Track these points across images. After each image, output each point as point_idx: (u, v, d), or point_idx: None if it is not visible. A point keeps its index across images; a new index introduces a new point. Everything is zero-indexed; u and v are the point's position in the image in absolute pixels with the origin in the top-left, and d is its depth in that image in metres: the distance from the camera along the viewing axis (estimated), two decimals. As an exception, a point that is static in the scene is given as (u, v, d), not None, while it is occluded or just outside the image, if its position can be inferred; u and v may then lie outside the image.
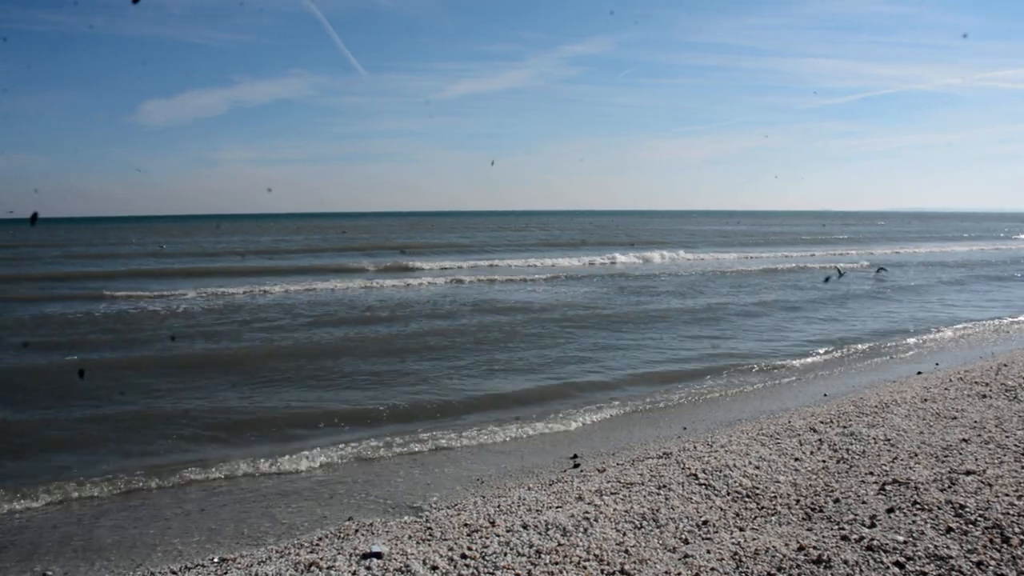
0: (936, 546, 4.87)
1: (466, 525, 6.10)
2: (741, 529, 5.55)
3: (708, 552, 5.10)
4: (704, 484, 6.64)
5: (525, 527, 5.78)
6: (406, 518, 6.84)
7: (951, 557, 4.71)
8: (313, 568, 5.34)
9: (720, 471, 6.96)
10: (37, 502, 7.54)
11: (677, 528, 5.63)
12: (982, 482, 6.03)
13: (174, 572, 5.91)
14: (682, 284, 27.29)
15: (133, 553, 6.48)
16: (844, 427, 8.43)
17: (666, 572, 4.86)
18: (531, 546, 5.37)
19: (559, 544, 5.38)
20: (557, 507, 6.33)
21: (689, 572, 4.84)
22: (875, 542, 4.99)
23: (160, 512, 7.35)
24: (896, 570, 4.64)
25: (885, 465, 6.84)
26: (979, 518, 5.27)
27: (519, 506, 6.56)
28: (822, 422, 8.81)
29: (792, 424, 8.87)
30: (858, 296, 23.78)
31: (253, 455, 8.79)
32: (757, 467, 7.06)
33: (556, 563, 5.06)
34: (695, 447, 8.13)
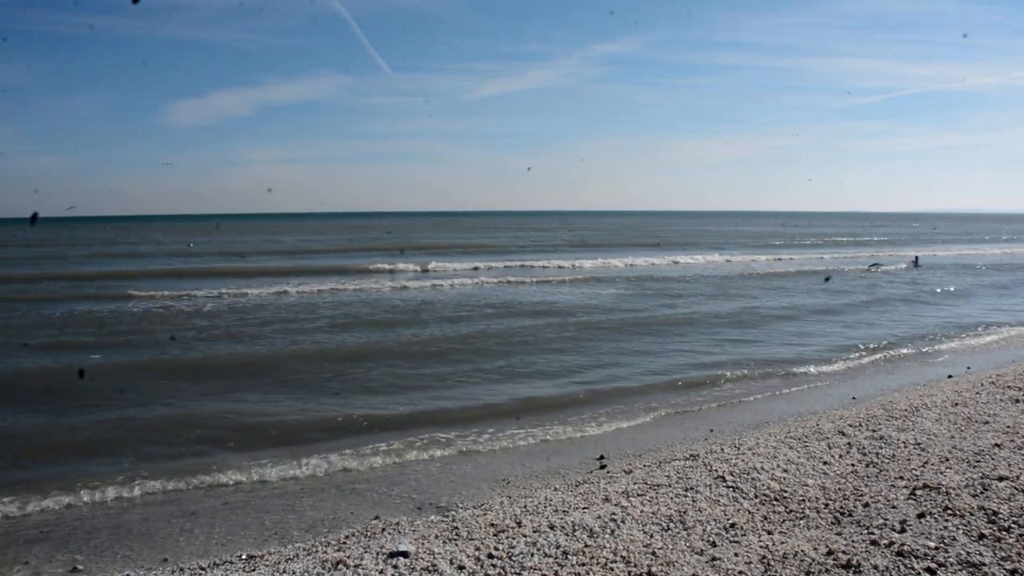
0: (968, 552, 4.81)
1: (492, 525, 6.11)
2: (769, 532, 5.51)
3: (736, 555, 5.07)
4: (731, 487, 6.60)
5: (552, 528, 5.79)
6: (432, 517, 6.87)
7: (984, 564, 4.65)
8: (340, 566, 5.37)
9: (747, 474, 6.91)
10: (67, 500, 7.64)
11: (704, 530, 5.60)
12: (1016, 488, 5.94)
13: (203, 568, 5.98)
14: (711, 286, 27.09)
15: (160, 548, 6.58)
16: (873, 431, 8.35)
17: (693, 575, 4.84)
18: (558, 547, 5.37)
19: (586, 545, 5.38)
20: (584, 508, 6.33)
21: (717, 575, 4.82)
22: (906, 547, 4.94)
23: (186, 509, 7.44)
24: (927, 576, 4.59)
25: (915, 470, 6.76)
26: (1013, 524, 5.20)
27: (545, 507, 6.56)
28: (851, 425, 8.73)
29: (820, 427, 8.80)
30: (889, 300, 23.50)
31: (277, 456, 8.84)
32: (785, 470, 7.01)
33: (583, 564, 5.06)
34: (722, 449, 8.08)
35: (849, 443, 7.87)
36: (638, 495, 6.59)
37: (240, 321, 18.76)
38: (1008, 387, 10.39)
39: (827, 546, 5.09)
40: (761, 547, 5.18)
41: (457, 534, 6.01)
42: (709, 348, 15.28)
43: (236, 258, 42.04)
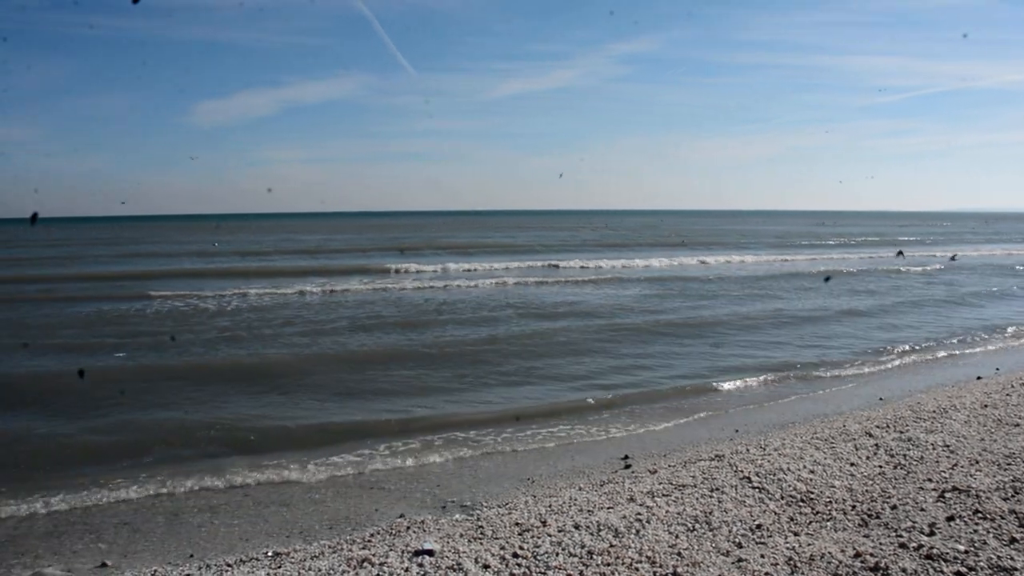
0: (999, 557, 4.75)
1: (517, 524, 6.12)
2: (796, 534, 5.48)
3: (762, 557, 5.05)
4: (757, 487, 6.57)
5: (577, 527, 5.79)
6: (457, 516, 6.90)
7: (1016, 569, 4.60)
8: (366, 564, 5.41)
9: (774, 474, 6.88)
10: (93, 498, 7.74)
11: (730, 531, 5.58)
12: (1047, 491, 5.87)
13: (229, 565, 6.04)
14: (737, 286, 26.83)
15: (186, 545, 6.67)
16: (901, 432, 8.27)
17: (720, 576, 4.82)
18: (583, 546, 5.37)
19: (611, 545, 5.37)
20: (608, 508, 6.33)
21: (743, 576, 4.80)
22: (935, 551, 4.89)
23: (209, 507, 7.53)
24: (957, 579, 4.55)
25: (944, 472, 6.69)
26: (1044, 528, 5.13)
27: (570, 506, 6.57)
28: (878, 426, 8.65)
29: (847, 428, 8.73)
30: (919, 301, 23.19)
31: (300, 456, 8.88)
32: (811, 471, 6.97)
33: (608, 564, 5.06)
34: (748, 450, 8.05)
35: (876, 444, 7.81)
36: (663, 495, 6.58)
37: (261, 320, 18.90)
38: (1039, 389, 10.25)
39: (854, 548, 5.05)
40: (788, 548, 5.15)
41: (482, 533, 6.03)
42: (734, 351, 15.17)
43: (259, 257, 42.38)
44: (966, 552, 4.85)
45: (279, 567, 5.74)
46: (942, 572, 4.63)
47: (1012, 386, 10.64)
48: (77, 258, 42.45)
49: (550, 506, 6.68)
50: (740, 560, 5.01)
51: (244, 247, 52.56)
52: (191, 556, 6.38)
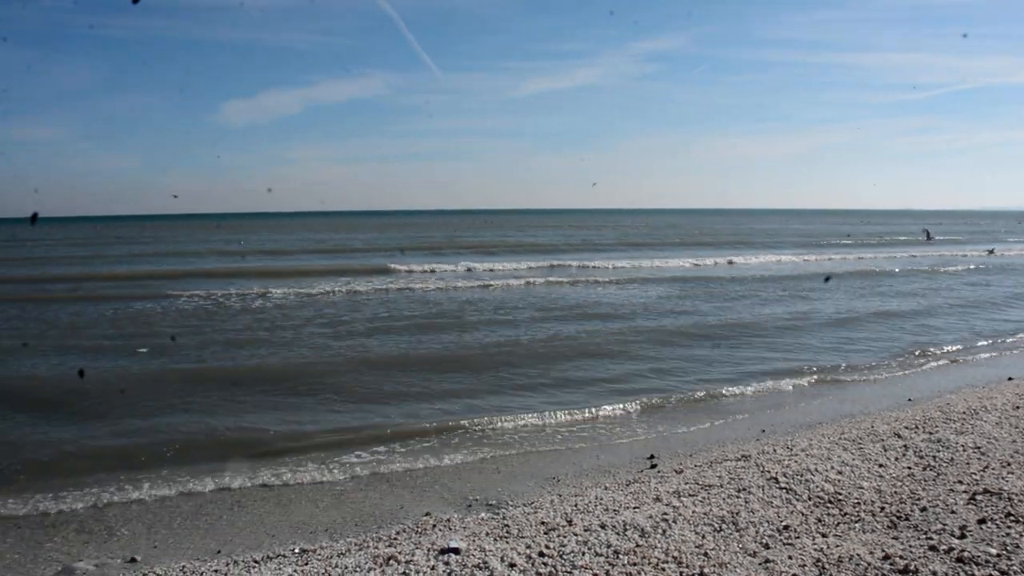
0: (1032, 559, 4.70)
1: (543, 523, 6.13)
2: (824, 535, 5.45)
3: (790, 558, 5.02)
4: (785, 488, 6.53)
5: (603, 527, 5.79)
6: (483, 515, 6.92)
7: (1049, 571, 4.54)
8: (392, 562, 5.44)
9: (801, 475, 6.83)
10: (120, 495, 7.84)
11: (757, 532, 5.55)
12: (1081, 494, 5.78)
13: (256, 561, 6.11)
14: (765, 287, 26.46)
15: (213, 541, 6.75)
16: (930, 433, 8.19)
17: (747, 577, 4.80)
18: (609, 546, 5.37)
19: (637, 545, 5.37)
20: (635, 507, 6.32)
21: (770, 578, 4.78)
22: (966, 554, 4.84)
23: (236, 505, 7.61)
24: (989, 583, 4.50)
25: (975, 474, 6.62)
26: (1078, 532, 5.06)
27: (596, 505, 6.57)
28: (907, 427, 8.57)
29: (875, 429, 8.65)
30: (951, 301, 22.87)
31: (324, 457, 8.92)
32: (839, 472, 6.91)
33: (634, 564, 5.06)
34: (774, 450, 8.00)
35: (905, 445, 7.73)
36: (689, 495, 6.56)
37: (285, 319, 19.05)
38: (1072, 390, 10.09)
39: (883, 550, 5.01)
40: (815, 550, 5.12)
41: (507, 532, 6.05)
42: (759, 351, 15.02)
43: (286, 256, 42.68)
44: (998, 556, 4.80)
45: (306, 564, 5.80)
46: None
47: (1044, 387, 10.49)
48: (101, 257, 42.92)
49: (576, 505, 6.69)
50: (767, 561, 4.99)
51: (267, 246, 52.89)
52: (218, 552, 6.46)
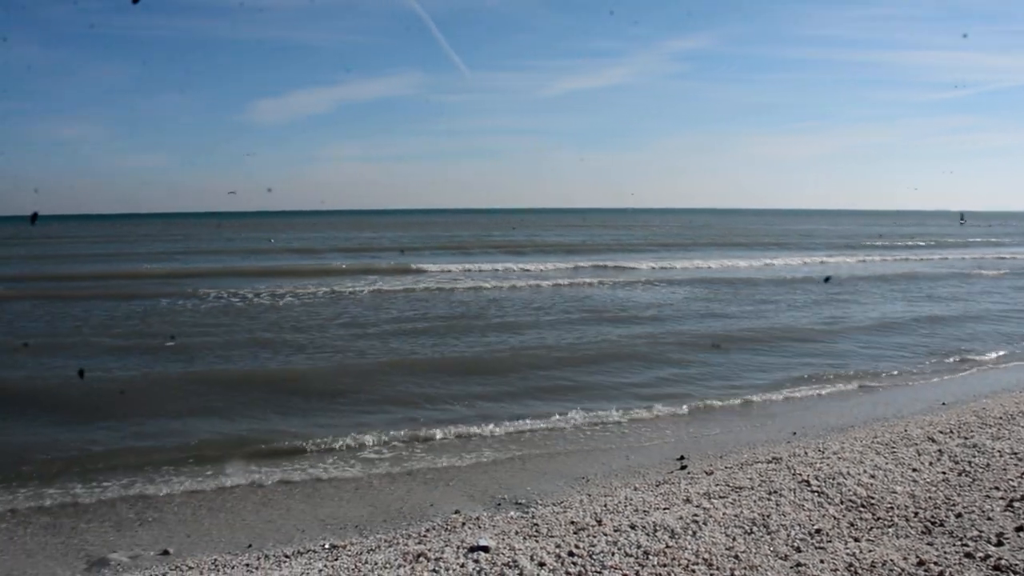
0: (1071, 568, 4.62)
1: (572, 523, 6.13)
2: (856, 540, 5.39)
3: (821, 562, 4.98)
4: (816, 491, 6.47)
5: (632, 527, 5.78)
6: (512, 513, 6.94)
7: (1088, 580, 4.46)
8: (422, 559, 5.46)
9: (833, 478, 6.76)
10: (151, 489, 7.96)
11: (789, 535, 5.51)
12: (1122, 502, 5.67)
13: (287, 556, 6.19)
14: (799, 291, 25.94)
15: (244, 535, 6.85)
16: (965, 438, 8.07)
17: (778, 580, 4.77)
18: (639, 547, 5.36)
19: (667, 546, 5.35)
20: (664, 508, 6.30)
21: (802, 581, 4.74)
22: (1003, 562, 4.77)
23: (265, 502, 7.70)
24: (1027, 591, 4.43)
25: (1012, 480, 6.51)
26: (1119, 540, 4.96)
27: (626, 506, 6.56)
28: (941, 432, 8.45)
29: (909, 433, 8.54)
30: (985, 306, 22.46)
31: (351, 456, 8.97)
32: (872, 476, 6.84)
33: (664, 565, 5.04)
34: (806, 453, 7.93)
35: (940, 450, 7.63)
36: (720, 497, 6.53)
37: (310, 317, 19.22)
38: (1112, 396, 9.89)
39: (917, 556, 4.95)
40: (848, 554, 5.07)
41: (537, 531, 6.06)
42: (791, 357, 14.74)
43: (313, 255, 42.91)
44: (1036, 563, 4.72)
45: (336, 559, 5.85)
46: (1010, 583, 4.51)
47: (1083, 392, 10.29)
48: (130, 255, 43.54)
49: (605, 505, 6.68)
50: (799, 565, 4.95)
51: (307, 244, 53.20)
52: (249, 546, 6.55)
